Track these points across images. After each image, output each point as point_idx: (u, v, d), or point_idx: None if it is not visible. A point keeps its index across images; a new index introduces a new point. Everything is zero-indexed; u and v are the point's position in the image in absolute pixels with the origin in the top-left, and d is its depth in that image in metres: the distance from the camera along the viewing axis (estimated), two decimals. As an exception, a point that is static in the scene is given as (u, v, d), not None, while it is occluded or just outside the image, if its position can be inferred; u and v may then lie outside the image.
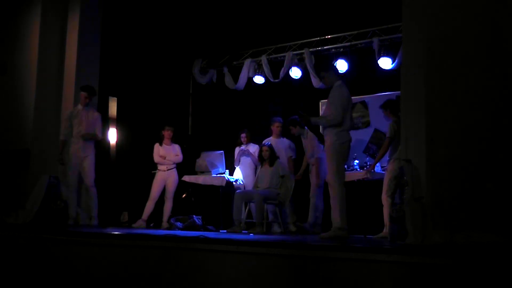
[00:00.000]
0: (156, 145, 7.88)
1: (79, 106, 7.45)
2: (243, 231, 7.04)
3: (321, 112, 8.12)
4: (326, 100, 5.82)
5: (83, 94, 7.42)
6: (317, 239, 5.29)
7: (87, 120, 7.42)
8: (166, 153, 7.82)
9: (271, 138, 7.80)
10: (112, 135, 9.10)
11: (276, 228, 7.35)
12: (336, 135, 5.49)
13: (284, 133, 7.86)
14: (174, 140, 7.94)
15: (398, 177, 4.82)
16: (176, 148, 7.89)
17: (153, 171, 7.92)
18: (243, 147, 7.99)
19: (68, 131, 7.36)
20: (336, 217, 5.43)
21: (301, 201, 7.49)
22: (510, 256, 3.45)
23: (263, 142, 7.61)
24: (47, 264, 5.44)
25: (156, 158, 7.84)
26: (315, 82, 8.24)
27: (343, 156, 5.56)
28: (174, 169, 7.83)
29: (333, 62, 8.12)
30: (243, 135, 8.02)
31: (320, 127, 6.21)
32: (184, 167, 8.21)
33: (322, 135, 5.84)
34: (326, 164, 5.75)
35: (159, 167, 7.83)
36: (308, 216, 7.31)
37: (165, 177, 7.79)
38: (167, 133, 7.85)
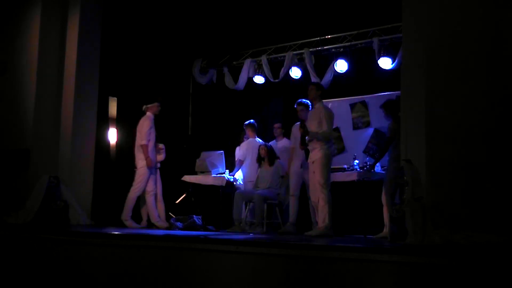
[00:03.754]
0: None
1: (152, 116, 7.49)
2: (243, 231, 7.04)
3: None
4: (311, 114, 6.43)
5: (157, 103, 7.54)
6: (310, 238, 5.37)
7: None
8: None
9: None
10: (112, 135, 9.10)
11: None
12: (329, 148, 6.21)
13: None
14: (161, 140, 7.92)
15: (398, 177, 4.83)
16: (160, 147, 7.86)
17: (135, 169, 7.93)
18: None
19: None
20: (324, 218, 5.97)
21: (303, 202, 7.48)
22: (510, 256, 3.45)
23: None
24: (47, 264, 5.44)
25: None
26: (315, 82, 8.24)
27: (330, 165, 6.27)
28: (157, 170, 7.79)
29: (333, 63, 8.14)
30: (277, 125, 7.99)
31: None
32: (184, 167, 8.21)
33: None
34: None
35: None
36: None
37: None
38: None
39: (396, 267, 3.65)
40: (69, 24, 8.27)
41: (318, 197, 6.12)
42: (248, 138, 8.03)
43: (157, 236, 5.27)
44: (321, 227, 5.98)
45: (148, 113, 7.51)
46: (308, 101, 6.77)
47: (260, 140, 7.98)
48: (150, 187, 7.43)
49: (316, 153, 6.15)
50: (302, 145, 6.42)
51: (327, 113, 6.25)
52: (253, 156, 7.77)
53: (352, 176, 6.72)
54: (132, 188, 7.38)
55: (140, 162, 7.34)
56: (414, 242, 4.27)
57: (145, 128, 7.36)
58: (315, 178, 6.14)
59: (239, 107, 9.53)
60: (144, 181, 7.34)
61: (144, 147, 7.29)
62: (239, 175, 7.98)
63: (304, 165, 6.75)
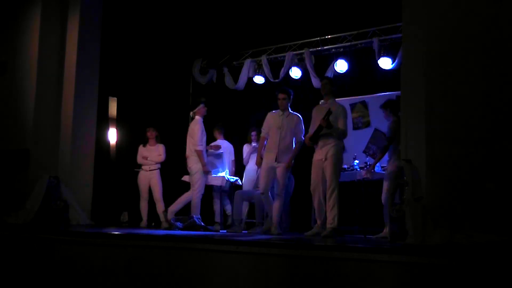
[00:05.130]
0: (140, 147, 7.98)
1: (201, 119, 7.38)
2: (243, 231, 7.04)
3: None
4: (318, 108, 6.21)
5: (202, 104, 7.45)
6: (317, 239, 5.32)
7: None
8: (149, 153, 7.88)
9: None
10: (112, 135, 9.09)
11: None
12: (341, 145, 6.03)
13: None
14: (161, 141, 7.97)
15: (398, 177, 4.83)
16: (160, 148, 7.90)
17: (135, 169, 7.98)
18: (254, 144, 7.96)
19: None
20: (333, 219, 5.74)
21: (303, 201, 7.48)
22: (510, 256, 3.45)
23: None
24: (47, 264, 5.44)
25: (139, 159, 7.94)
26: (315, 82, 8.24)
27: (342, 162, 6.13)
28: (157, 171, 7.84)
29: (333, 63, 8.14)
30: (253, 133, 8.06)
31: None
32: (184, 167, 8.21)
33: None
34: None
35: (142, 167, 7.93)
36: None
37: (148, 177, 7.84)
38: (149, 134, 7.94)
39: (396, 267, 3.65)
40: (69, 24, 8.28)
41: (321, 195, 5.88)
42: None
43: (157, 236, 5.27)
44: (329, 228, 5.74)
45: (197, 117, 7.40)
46: (292, 91, 6.60)
47: (224, 141, 7.97)
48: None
49: (329, 149, 5.89)
50: (311, 140, 6.00)
51: (344, 110, 6.05)
52: (225, 158, 7.81)
53: (352, 176, 6.71)
54: (194, 193, 7.16)
55: (195, 166, 7.18)
56: (414, 242, 4.26)
57: (196, 133, 7.22)
58: (327, 176, 5.85)
59: (239, 107, 9.53)
60: (203, 183, 7.22)
61: (199, 152, 7.15)
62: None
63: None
